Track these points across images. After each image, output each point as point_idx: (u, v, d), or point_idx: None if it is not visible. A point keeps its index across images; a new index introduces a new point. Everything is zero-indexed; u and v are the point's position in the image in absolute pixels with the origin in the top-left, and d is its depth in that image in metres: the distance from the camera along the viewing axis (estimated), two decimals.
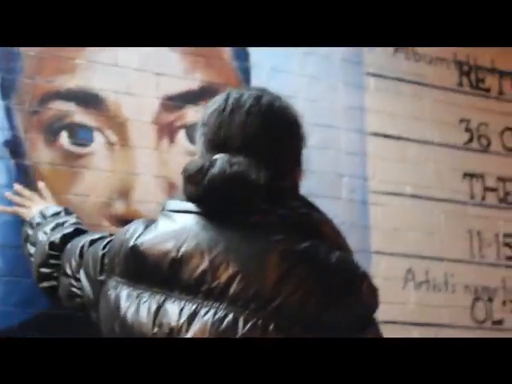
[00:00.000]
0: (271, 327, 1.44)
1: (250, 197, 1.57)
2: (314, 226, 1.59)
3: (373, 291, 1.61)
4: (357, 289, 1.55)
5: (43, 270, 2.17)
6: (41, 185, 2.75)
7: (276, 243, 1.52)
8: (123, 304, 1.58)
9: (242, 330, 1.45)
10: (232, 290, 1.48)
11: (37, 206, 2.58)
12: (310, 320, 1.47)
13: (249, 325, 1.45)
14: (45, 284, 2.19)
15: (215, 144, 1.66)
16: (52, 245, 2.17)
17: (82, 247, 1.94)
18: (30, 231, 2.47)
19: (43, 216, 2.45)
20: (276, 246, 1.51)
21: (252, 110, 1.67)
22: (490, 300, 3.58)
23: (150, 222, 1.65)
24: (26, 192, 2.70)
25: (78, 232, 2.20)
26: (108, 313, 1.63)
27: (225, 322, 1.46)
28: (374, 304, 1.60)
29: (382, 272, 3.30)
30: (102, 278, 1.73)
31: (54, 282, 2.14)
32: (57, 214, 2.47)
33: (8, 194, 2.71)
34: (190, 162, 1.64)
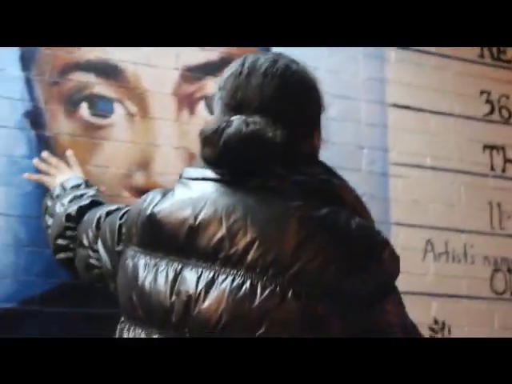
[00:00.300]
0: (289, 294, 1.43)
1: (266, 156, 1.56)
2: (334, 192, 1.59)
3: (394, 258, 1.59)
4: (377, 256, 1.54)
5: (60, 241, 2.18)
6: (68, 153, 2.72)
7: (295, 209, 1.51)
8: (141, 273, 1.59)
9: (259, 297, 1.44)
10: (250, 256, 1.47)
11: (61, 175, 2.56)
12: (329, 287, 1.46)
13: (267, 292, 1.44)
14: (61, 255, 2.19)
15: (232, 107, 1.65)
16: (68, 217, 2.18)
17: (99, 218, 1.97)
18: (49, 203, 2.48)
19: (63, 188, 2.44)
20: (295, 212, 1.50)
21: (268, 72, 1.66)
22: (510, 271, 3.58)
23: (167, 191, 1.66)
24: (53, 160, 2.66)
25: (95, 204, 2.23)
26: (126, 282, 1.64)
27: (242, 290, 1.45)
28: (394, 271, 1.60)
29: (401, 243, 3.29)
30: (119, 248, 1.75)
31: (70, 254, 2.16)
32: (77, 187, 2.44)
33: (35, 162, 2.68)
34: (207, 125, 1.63)
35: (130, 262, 1.63)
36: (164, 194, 1.64)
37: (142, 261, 1.60)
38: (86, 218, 2.10)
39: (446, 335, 3.35)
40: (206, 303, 1.46)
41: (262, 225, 1.49)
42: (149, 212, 1.60)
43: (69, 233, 2.16)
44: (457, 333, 3.36)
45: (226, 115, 1.63)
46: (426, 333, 3.30)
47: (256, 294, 1.44)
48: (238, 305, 1.44)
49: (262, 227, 1.49)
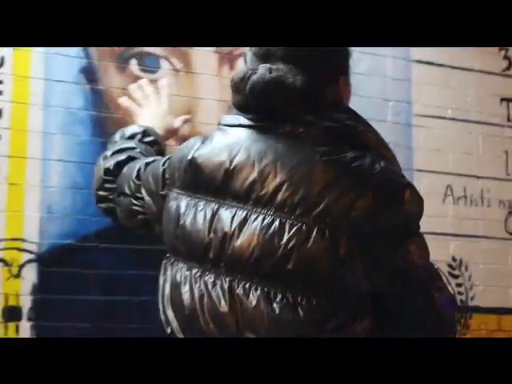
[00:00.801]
0: (314, 232, 1.43)
1: (287, 101, 1.54)
2: (359, 137, 1.56)
3: (417, 200, 1.56)
4: (400, 198, 1.50)
5: (100, 192, 2.15)
6: (163, 82, 2.59)
7: (321, 154, 1.49)
8: (182, 212, 1.58)
9: (287, 234, 1.44)
10: (279, 197, 1.46)
11: (148, 110, 2.44)
12: (353, 228, 1.44)
13: (294, 230, 1.44)
14: (102, 205, 2.17)
15: (260, 56, 1.62)
16: (107, 171, 2.13)
17: (139, 170, 1.89)
18: (107, 151, 2.42)
19: (121, 136, 2.30)
20: (321, 156, 1.48)
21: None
22: None
23: (206, 137, 1.63)
24: (149, 89, 2.50)
25: (132, 159, 2.17)
26: (170, 222, 1.63)
27: (272, 227, 1.45)
28: (417, 213, 1.56)
29: (423, 188, 3.25)
30: (163, 192, 1.73)
31: (110, 204, 2.10)
32: (132, 137, 2.27)
33: (132, 87, 2.53)
34: (236, 73, 1.62)
35: (173, 203, 1.63)
36: (203, 140, 1.62)
37: (183, 201, 1.60)
38: (125, 170, 2.02)
39: (463, 271, 3.37)
40: (240, 240, 1.48)
41: (291, 168, 1.48)
42: (190, 157, 1.59)
43: (108, 185, 2.06)
44: (473, 269, 3.39)
45: (253, 64, 1.61)
46: (444, 269, 3.33)
47: (284, 231, 1.44)
48: (268, 241, 1.45)
49: (290, 171, 1.48)
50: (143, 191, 1.84)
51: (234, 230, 1.49)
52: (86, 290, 2.66)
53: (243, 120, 1.59)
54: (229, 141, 1.57)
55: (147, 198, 1.82)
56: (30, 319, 2.66)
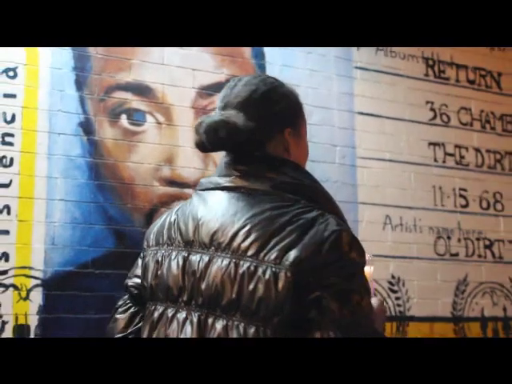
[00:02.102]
0: (260, 271, 1.40)
1: (232, 138, 1.52)
2: (306, 191, 1.54)
3: (358, 248, 1.46)
4: (341, 247, 1.40)
5: None
6: None
7: (272, 208, 1.47)
8: (159, 262, 1.58)
9: (240, 273, 1.41)
10: (235, 242, 1.44)
11: None
12: (293, 268, 1.39)
13: (244, 268, 1.41)
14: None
15: (220, 108, 1.60)
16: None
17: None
18: None
19: None
20: (272, 210, 1.47)
21: (248, 83, 1.60)
22: (449, 238, 3.60)
23: (183, 204, 1.64)
24: None
25: None
26: (148, 274, 1.61)
27: (229, 268, 1.43)
28: (358, 259, 1.45)
29: (366, 218, 3.35)
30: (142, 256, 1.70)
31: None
32: None
33: None
34: (199, 119, 1.60)
35: (150, 259, 1.60)
36: (180, 207, 1.64)
37: (159, 254, 1.58)
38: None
39: (401, 287, 3.39)
40: (205, 280, 1.46)
41: (245, 220, 1.46)
42: (172, 218, 1.60)
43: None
44: (409, 285, 3.41)
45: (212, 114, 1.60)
46: (385, 285, 3.35)
47: (237, 270, 1.42)
48: (225, 280, 1.43)
49: (245, 221, 1.46)
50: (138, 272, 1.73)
51: (201, 271, 1.47)
52: (83, 310, 2.65)
53: (214, 183, 1.58)
54: (200, 203, 1.57)
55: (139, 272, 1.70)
56: (36, 335, 2.65)
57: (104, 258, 2.76)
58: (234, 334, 1.41)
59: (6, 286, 2.63)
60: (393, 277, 3.40)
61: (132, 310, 1.66)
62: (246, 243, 1.45)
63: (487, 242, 3.69)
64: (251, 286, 1.42)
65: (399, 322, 3.35)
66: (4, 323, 2.60)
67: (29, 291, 2.66)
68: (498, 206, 3.76)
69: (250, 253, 1.44)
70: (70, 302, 2.69)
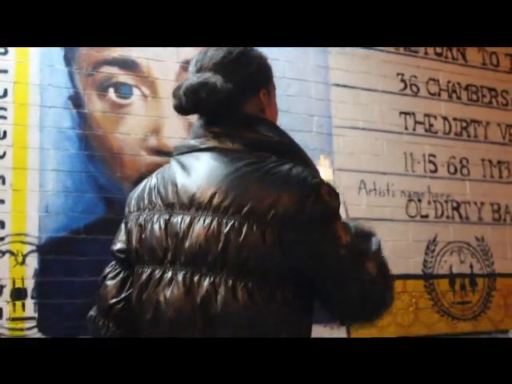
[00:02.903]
0: (245, 227, 1.38)
1: (211, 98, 1.49)
2: (279, 147, 1.50)
3: (332, 194, 1.46)
4: (315, 194, 1.40)
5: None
6: None
7: (245, 165, 1.45)
8: (142, 226, 1.53)
9: (224, 230, 1.40)
10: (214, 201, 1.42)
11: None
12: (277, 221, 1.37)
13: (228, 226, 1.40)
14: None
15: (194, 71, 1.57)
16: None
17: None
18: None
19: None
20: (247, 166, 1.44)
21: (220, 48, 1.60)
22: (419, 201, 3.62)
23: (160, 170, 1.62)
24: None
25: None
26: (133, 237, 1.56)
27: (211, 226, 1.41)
28: (333, 204, 1.45)
29: (342, 183, 3.32)
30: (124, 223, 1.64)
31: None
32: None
33: None
34: (177, 84, 1.56)
35: (132, 224, 1.56)
36: (157, 172, 1.61)
37: (141, 219, 1.54)
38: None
39: None
40: (188, 240, 1.44)
41: (222, 178, 1.44)
42: (153, 184, 1.57)
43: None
44: (383, 245, 3.38)
45: (188, 77, 1.56)
46: None
47: (221, 228, 1.40)
48: (209, 238, 1.41)
49: (222, 180, 1.44)
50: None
51: (184, 232, 1.44)
52: (77, 273, 2.64)
53: (190, 145, 1.56)
54: (178, 167, 1.54)
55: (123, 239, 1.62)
56: (33, 297, 2.63)
57: (95, 224, 2.74)
58: (222, 291, 1.39)
59: (3, 252, 2.61)
60: None
61: (122, 275, 1.60)
62: (226, 202, 1.43)
63: (455, 204, 3.69)
64: (238, 241, 1.39)
65: None
66: (2, 287, 2.58)
67: (25, 256, 2.64)
68: (465, 171, 3.76)
69: (231, 211, 1.42)
70: (64, 266, 2.67)
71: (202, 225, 1.43)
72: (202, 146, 1.52)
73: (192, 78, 1.53)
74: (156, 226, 1.49)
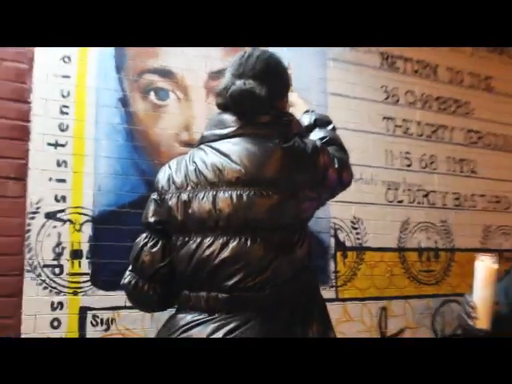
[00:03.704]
0: (265, 193, 1.41)
1: (256, 105, 1.51)
2: (293, 128, 1.54)
3: (326, 152, 1.56)
4: (318, 152, 1.51)
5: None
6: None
7: (276, 144, 1.46)
8: (187, 201, 1.49)
9: (249, 200, 1.41)
10: (243, 176, 1.43)
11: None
12: (285, 183, 1.44)
13: (252, 194, 1.41)
14: None
15: (236, 75, 1.56)
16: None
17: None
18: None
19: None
20: (276, 145, 1.46)
21: (259, 57, 1.58)
22: (396, 189, 3.60)
23: (190, 154, 1.60)
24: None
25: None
26: (176, 211, 1.50)
27: (252, 196, 1.41)
28: (327, 154, 1.56)
29: None
30: (158, 197, 1.58)
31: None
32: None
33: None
34: (220, 84, 1.58)
35: (174, 199, 1.50)
36: (190, 155, 1.57)
37: (184, 195, 1.49)
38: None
39: (360, 225, 3.37)
40: (239, 210, 1.42)
41: (253, 157, 1.44)
42: (193, 166, 1.52)
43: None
44: (366, 224, 3.40)
45: (231, 80, 1.55)
46: (348, 224, 3.32)
47: (250, 197, 1.41)
48: (244, 206, 1.41)
49: (252, 158, 1.44)
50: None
51: (234, 205, 1.41)
52: (122, 239, 2.62)
53: (219, 134, 1.52)
54: (213, 152, 1.50)
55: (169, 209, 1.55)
56: (87, 258, 2.63)
57: (137, 200, 2.71)
58: (249, 245, 1.40)
59: (64, 221, 2.60)
60: (354, 217, 3.37)
61: (161, 243, 1.53)
62: (256, 175, 1.43)
63: (424, 193, 3.67)
64: (258, 207, 1.41)
65: (358, 251, 3.34)
66: (63, 248, 2.58)
67: (81, 225, 2.64)
68: (433, 166, 3.74)
69: (267, 183, 1.43)
70: (112, 234, 2.67)
71: (251, 197, 1.41)
72: (233, 133, 1.51)
73: (237, 82, 1.52)
74: (205, 201, 1.46)
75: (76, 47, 2.71)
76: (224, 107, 1.55)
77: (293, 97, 1.91)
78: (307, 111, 1.86)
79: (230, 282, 1.39)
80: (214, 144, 1.51)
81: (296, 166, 1.44)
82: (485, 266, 1.72)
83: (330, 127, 1.82)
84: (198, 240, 1.44)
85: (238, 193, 1.42)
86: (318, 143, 1.53)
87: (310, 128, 1.77)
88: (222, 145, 1.49)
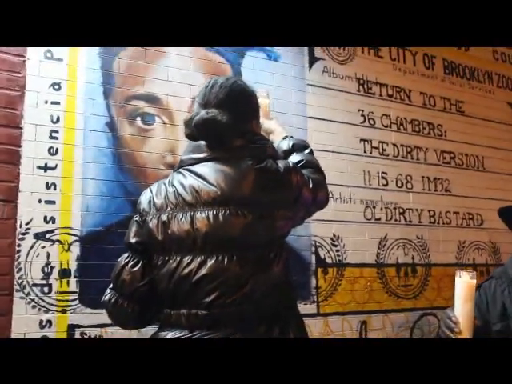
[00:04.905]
0: (239, 212, 1.41)
1: (218, 131, 1.50)
2: (266, 150, 1.53)
3: (299, 172, 1.54)
4: (290, 173, 1.49)
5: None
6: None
7: (248, 166, 1.46)
8: (166, 222, 1.49)
9: (226, 220, 1.41)
10: (220, 197, 1.43)
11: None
12: (259, 202, 1.43)
13: (226, 215, 1.41)
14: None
15: (201, 105, 1.57)
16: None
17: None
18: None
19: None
20: (248, 166, 1.46)
21: (222, 85, 1.58)
22: (374, 207, 3.60)
23: (168, 179, 1.60)
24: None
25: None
26: (156, 232, 1.51)
27: (227, 216, 1.41)
28: (300, 178, 1.54)
29: None
30: (140, 219, 1.58)
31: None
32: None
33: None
34: (186, 116, 1.58)
35: (154, 221, 1.50)
36: (168, 180, 1.58)
37: (163, 217, 1.49)
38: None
39: (340, 242, 3.37)
40: (216, 229, 1.42)
41: (227, 178, 1.45)
42: (173, 188, 1.52)
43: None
44: (346, 241, 3.40)
45: (198, 109, 1.57)
46: (329, 242, 3.32)
47: (226, 218, 1.41)
48: (220, 225, 1.41)
49: (227, 180, 1.44)
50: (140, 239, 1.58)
51: (210, 224, 1.42)
52: (109, 258, 2.58)
53: (196, 158, 1.53)
54: (191, 175, 1.51)
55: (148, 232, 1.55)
56: (75, 276, 2.62)
57: (123, 221, 2.70)
58: (229, 263, 1.39)
59: (53, 241, 2.59)
60: (334, 235, 3.36)
61: (141, 262, 1.52)
62: (228, 196, 1.43)
63: (401, 210, 3.68)
64: (231, 227, 1.41)
65: (338, 268, 3.34)
66: (52, 268, 2.56)
67: (70, 245, 2.62)
68: (409, 185, 3.76)
69: (234, 202, 1.43)
70: (99, 253, 2.66)
71: (213, 216, 1.41)
72: (208, 157, 1.53)
73: (201, 112, 1.53)
74: (183, 221, 1.46)
75: (66, 48, 2.72)
76: (192, 137, 1.56)
77: (271, 124, 1.93)
78: (285, 137, 1.85)
79: (209, 299, 1.39)
80: (191, 167, 1.52)
81: (269, 186, 1.44)
82: (464, 282, 1.72)
83: (306, 151, 1.81)
84: (178, 259, 1.45)
85: (214, 213, 1.42)
86: (291, 164, 1.53)
87: (288, 153, 1.77)
88: (199, 168, 1.50)
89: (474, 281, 1.72)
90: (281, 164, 1.50)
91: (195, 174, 1.49)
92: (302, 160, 1.71)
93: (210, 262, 1.40)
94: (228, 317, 1.37)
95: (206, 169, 1.48)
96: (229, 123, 1.50)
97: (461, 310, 1.71)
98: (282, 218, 1.47)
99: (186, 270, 1.42)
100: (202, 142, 1.54)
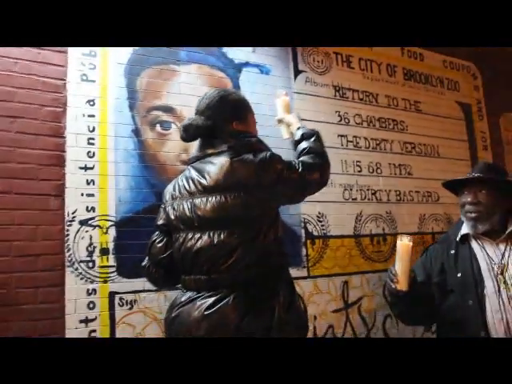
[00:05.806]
0: (232, 195, 1.42)
1: (198, 133, 1.56)
2: (250, 145, 1.54)
3: (280, 160, 1.50)
4: (271, 162, 1.46)
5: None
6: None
7: (230, 158, 1.48)
8: (176, 208, 1.56)
9: (218, 202, 1.43)
10: (211, 185, 1.47)
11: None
12: (237, 187, 1.43)
13: (219, 198, 1.44)
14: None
15: (195, 113, 1.65)
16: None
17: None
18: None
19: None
20: (231, 159, 1.47)
21: (207, 96, 1.63)
22: (351, 189, 3.59)
23: (181, 174, 1.68)
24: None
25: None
26: (172, 215, 1.59)
27: (213, 201, 1.45)
28: (281, 164, 1.50)
29: None
30: (164, 206, 1.68)
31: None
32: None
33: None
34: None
35: (169, 208, 1.60)
36: (179, 176, 1.67)
37: (175, 203, 1.58)
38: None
39: (324, 218, 3.39)
40: (203, 212, 1.46)
41: (212, 171, 1.48)
42: (180, 183, 1.62)
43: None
44: (329, 218, 3.42)
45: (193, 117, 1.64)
46: (315, 218, 3.35)
47: (218, 201, 1.44)
48: (212, 208, 1.45)
49: (212, 172, 1.48)
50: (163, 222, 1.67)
51: (203, 208, 1.47)
52: (138, 238, 2.64)
53: (195, 156, 1.62)
54: (192, 170, 1.58)
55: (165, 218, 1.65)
56: (113, 254, 2.66)
57: (149, 208, 2.73)
58: (219, 238, 1.41)
59: (94, 226, 2.64)
60: (319, 213, 3.41)
61: (165, 239, 1.65)
62: (215, 183, 1.47)
63: (373, 191, 3.71)
64: (227, 208, 1.43)
65: (323, 239, 3.38)
66: (95, 247, 2.61)
67: (107, 229, 2.67)
68: (379, 171, 3.78)
69: (220, 188, 1.46)
70: (131, 234, 2.69)
71: (212, 201, 1.47)
72: (203, 155, 1.59)
73: (186, 120, 1.62)
74: (185, 207, 1.53)
75: (98, 70, 2.76)
76: (183, 139, 1.64)
77: (290, 117, 1.91)
78: (299, 128, 1.86)
79: (206, 267, 1.45)
80: (194, 164, 1.63)
81: (245, 174, 1.44)
82: (403, 244, 1.78)
83: (312, 139, 1.79)
84: (183, 235, 1.54)
85: (205, 199, 1.49)
86: (268, 154, 1.51)
87: (299, 141, 1.77)
88: (198, 164, 1.60)
89: (411, 243, 1.78)
90: (258, 156, 1.48)
91: (195, 169, 1.58)
92: (307, 147, 1.71)
93: (204, 237, 1.48)
94: (223, 281, 1.43)
95: (201, 164, 1.57)
96: (209, 125, 1.55)
97: (399, 266, 1.77)
98: (261, 199, 1.47)
99: (188, 244, 1.51)
100: (201, 143, 1.61)
